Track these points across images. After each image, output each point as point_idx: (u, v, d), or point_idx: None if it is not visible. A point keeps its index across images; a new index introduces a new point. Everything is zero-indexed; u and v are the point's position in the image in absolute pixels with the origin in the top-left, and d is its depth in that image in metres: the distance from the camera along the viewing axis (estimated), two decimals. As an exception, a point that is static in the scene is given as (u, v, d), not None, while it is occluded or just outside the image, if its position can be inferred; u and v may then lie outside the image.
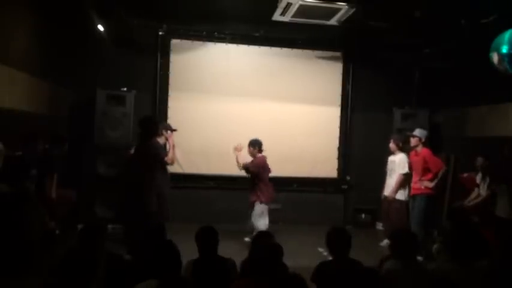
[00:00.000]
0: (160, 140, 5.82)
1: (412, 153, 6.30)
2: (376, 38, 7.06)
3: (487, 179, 5.74)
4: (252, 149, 6.18)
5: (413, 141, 6.20)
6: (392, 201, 6.45)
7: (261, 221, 5.96)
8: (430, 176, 6.03)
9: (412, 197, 6.22)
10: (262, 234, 3.81)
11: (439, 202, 7.10)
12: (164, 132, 5.85)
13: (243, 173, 6.24)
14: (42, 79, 6.02)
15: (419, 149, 6.15)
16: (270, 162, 6.26)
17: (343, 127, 7.95)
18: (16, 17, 5.37)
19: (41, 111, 6.03)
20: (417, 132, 6.24)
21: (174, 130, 5.96)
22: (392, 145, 6.53)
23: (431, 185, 6.00)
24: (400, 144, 6.50)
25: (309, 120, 7.81)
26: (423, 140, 6.16)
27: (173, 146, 5.62)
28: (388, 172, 6.67)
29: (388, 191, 6.59)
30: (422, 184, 6.02)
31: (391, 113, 7.42)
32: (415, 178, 6.18)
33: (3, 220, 4.28)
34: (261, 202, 6.06)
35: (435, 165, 6.04)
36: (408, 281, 3.07)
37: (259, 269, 2.95)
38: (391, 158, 6.64)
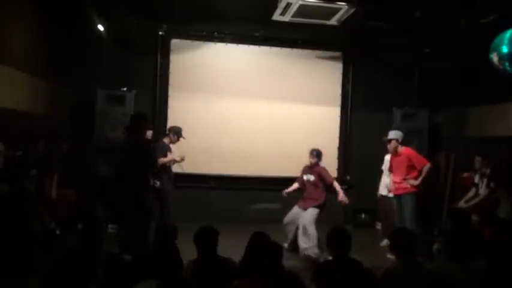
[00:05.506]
0: (166, 140, 5.97)
1: (392, 154, 6.13)
2: (376, 38, 7.06)
3: (485, 179, 5.72)
4: (313, 158, 6.13)
5: (392, 145, 5.96)
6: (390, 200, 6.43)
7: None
8: (415, 173, 5.86)
9: (397, 197, 6.01)
10: (258, 234, 3.76)
11: (439, 202, 7.11)
12: (173, 137, 5.95)
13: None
14: (42, 79, 6.02)
15: (400, 149, 5.98)
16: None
17: (343, 127, 7.95)
18: (16, 17, 5.38)
19: (41, 111, 6.03)
20: (392, 134, 6.00)
21: (183, 138, 6.03)
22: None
23: (417, 182, 5.81)
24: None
25: (309, 120, 7.80)
26: (400, 140, 5.99)
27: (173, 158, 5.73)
28: (385, 171, 6.66)
29: (383, 190, 6.59)
30: (408, 183, 5.83)
31: (391, 113, 7.40)
32: (397, 178, 5.97)
33: (3, 220, 4.28)
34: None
35: (419, 162, 5.90)
36: (408, 280, 3.06)
37: (258, 269, 2.95)
38: (387, 158, 6.64)
